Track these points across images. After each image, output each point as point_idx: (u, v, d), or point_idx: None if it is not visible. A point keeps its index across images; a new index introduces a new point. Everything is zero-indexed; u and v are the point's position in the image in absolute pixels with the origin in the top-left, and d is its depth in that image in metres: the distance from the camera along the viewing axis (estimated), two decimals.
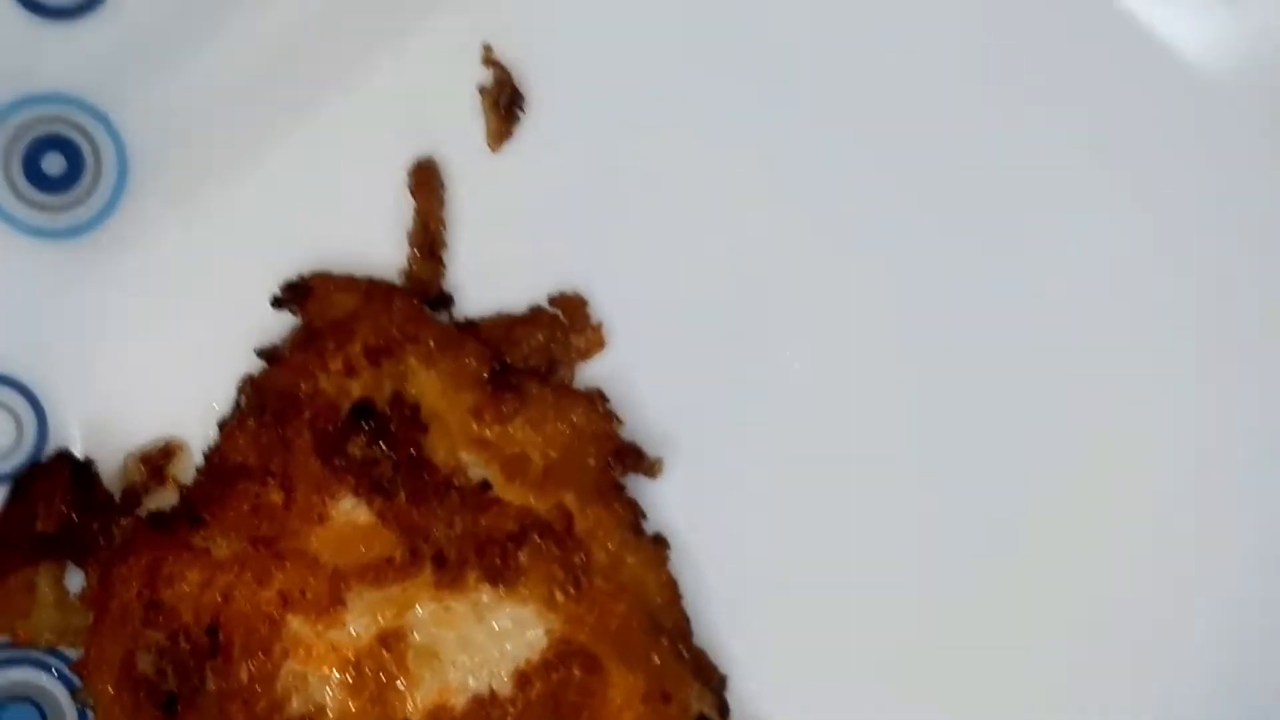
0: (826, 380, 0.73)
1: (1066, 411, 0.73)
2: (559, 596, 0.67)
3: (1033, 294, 0.73)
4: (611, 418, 0.70)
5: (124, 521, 0.69)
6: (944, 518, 0.73)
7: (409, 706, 0.67)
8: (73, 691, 0.70)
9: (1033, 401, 0.73)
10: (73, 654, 0.70)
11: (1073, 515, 0.72)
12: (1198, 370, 0.72)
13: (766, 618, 0.72)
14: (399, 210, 0.72)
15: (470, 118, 0.73)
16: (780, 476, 0.73)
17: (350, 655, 0.67)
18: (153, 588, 0.67)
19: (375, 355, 0.69)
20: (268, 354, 0.70)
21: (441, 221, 0.72)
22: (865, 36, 0.72)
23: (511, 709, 0.67)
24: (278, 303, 0.70)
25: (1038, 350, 0.73)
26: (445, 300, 0.72)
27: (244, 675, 0.67)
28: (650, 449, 0.71)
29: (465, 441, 0.68)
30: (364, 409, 0.68)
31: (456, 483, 0.68)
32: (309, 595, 0.67)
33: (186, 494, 0.69)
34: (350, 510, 0.68)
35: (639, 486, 0.71)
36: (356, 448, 0.68)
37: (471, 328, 0.72)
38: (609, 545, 0.68)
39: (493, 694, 0.67)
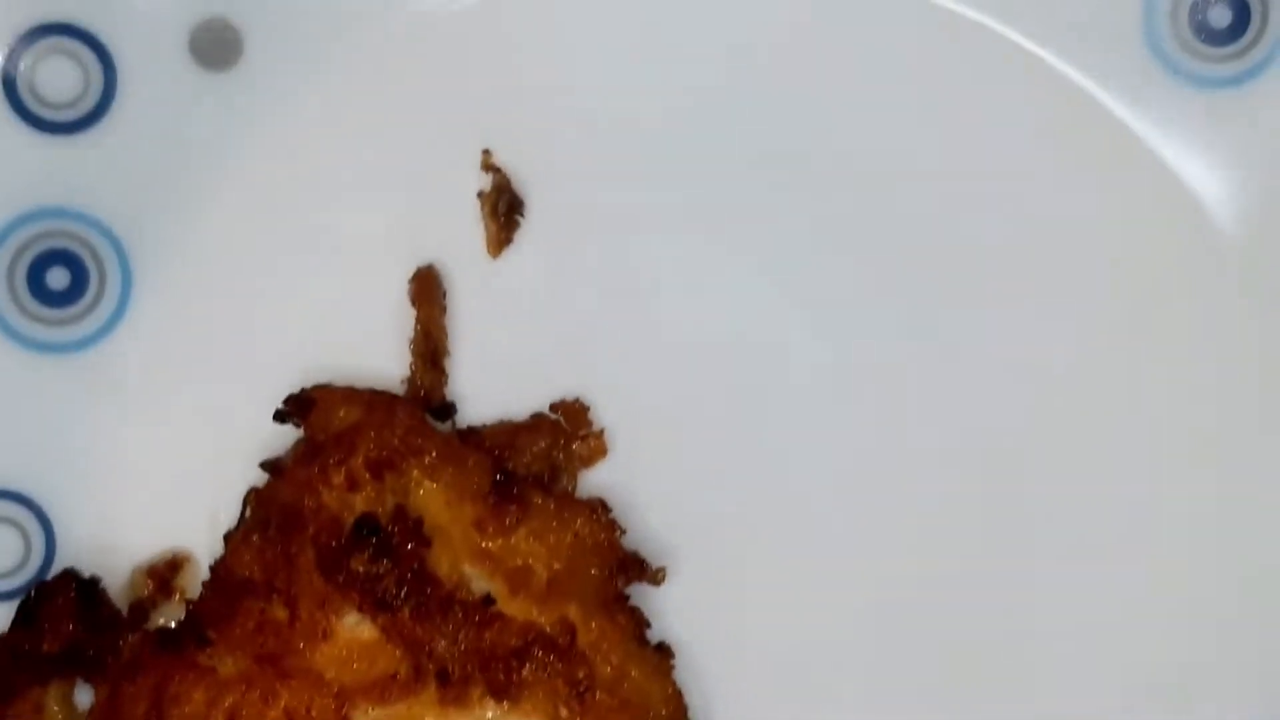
0: (829, 486, 0.73)
1: (1075, 518, 0.73)
2: (563, 712, 0.68)
3: (1037, 405, 0.73)
4: (614, 527, 0.70)
5: (131, 637, 0.69)
6: (952, 624, 0.73)
7: None
8: None
9: (1039, 505, 0.73)
10: None
11: (1084, 621, 0.73)
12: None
13: None
14: (400, 319, 0.72)
15: (470, 224, 0.73)
16: (784, 583, 0.73)
17: None
18: (160, 707, 0.68)
19: (378, 468, 0.69)
20: (271, 466, 0.70)
21: (443, 330, 0.73)
22: (874, 144, 0.72)
23: None
24: (280, 416, 0.70)
25: (1043, 457, 0.73)
26: (448, 409, 0.72)
27: None
28: (653, 557, 0.71)
29: (468, 554, 0.69)
30: (367, 524, 0.68)
31: (460, 597, 0.68)
32: (314, 713, 0.68)
33: (193, 610, 0.70)
34: (354, 626, 0.68)
35: (642, 593, 0.71)
36: (360, 563, 0.68)
37: (474, 435, 0.72)
38: (613, 658, 0.69)
39: None
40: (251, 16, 0.71)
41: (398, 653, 0.68)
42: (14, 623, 0.70)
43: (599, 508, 0.70)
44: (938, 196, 0.72)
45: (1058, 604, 0.73)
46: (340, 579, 0.68)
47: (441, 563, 0.69)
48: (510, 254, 0.73)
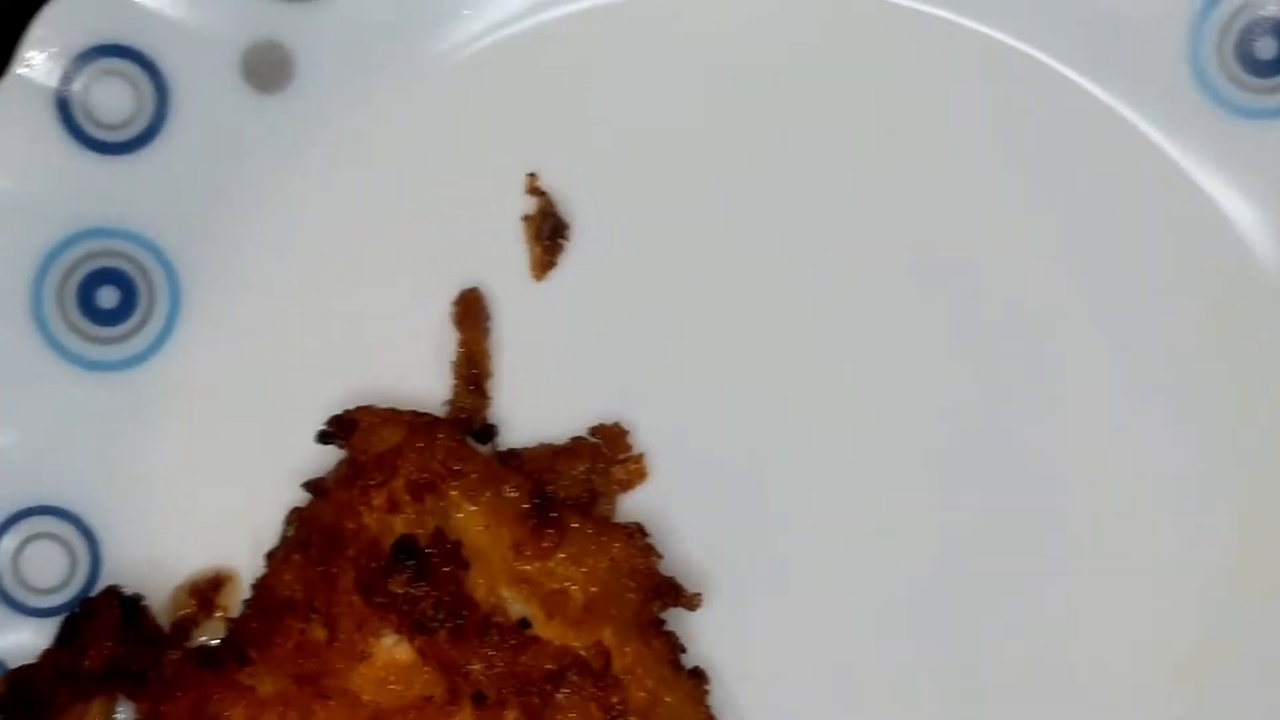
0: (866, 515, 0.73)
1: (1118, 539, 0.73)
2: None
3: (1076, 426, 0.73)
4: (651, 552, 0.70)
5: (173, 655, 0.70)
6: (991, 659, 0.73)
7: None
8: None
9: (1082, 530, 0.73)
10: None
11: (1129, 641, 0.73)
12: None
13: None
14: (443, 341, 0.73)
15: (514, 247, 0.73)
16: (819, 610, 0.73)
17: None
18: None
19: (418, 490, 0.69)
20: (314, 487, 0.71)
21: (485, 352, 0.73)
22: (919, 174, 0.73)
23: None
24: (323, 437, 0.71)
25: (1080, 480, 0.73)
26: (489, 432, 0.73)
27: None
28: (689, 581, 0.71)
29: (506, 577, 0.69)
30: (406, 547, 0.69)
31: (497, 620, 0.69)
32: None
33: (234, 628, 0.70)
34: (391, 647, 0.69)
35: (677, 618, 0.71)
36: (398, 585, 0.69)
37: (514, 458, 0.72)
38: (647, 683, 0.69)
39: None
40: (303, 39, 0.72)
41: (434, 675, 0.69)
42: (57, 639, 0.71)
43: (636, 532, 0.71)
44: (983, 224, 0.72)
45: (1102, 627, 0.74)
46: (379, 600, 0.69)
47: (479, 586, 0.69)
48: (554, 277, 0.74)
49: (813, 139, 0.73)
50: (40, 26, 0.70)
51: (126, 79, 0.71)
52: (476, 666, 0.69)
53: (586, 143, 0.73)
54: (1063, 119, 0.72)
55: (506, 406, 0.74)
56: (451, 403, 0.73)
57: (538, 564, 0.70)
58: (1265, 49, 0.71)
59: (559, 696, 0.69)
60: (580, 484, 0.72)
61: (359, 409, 0.71)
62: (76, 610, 0.71)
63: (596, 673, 0.69)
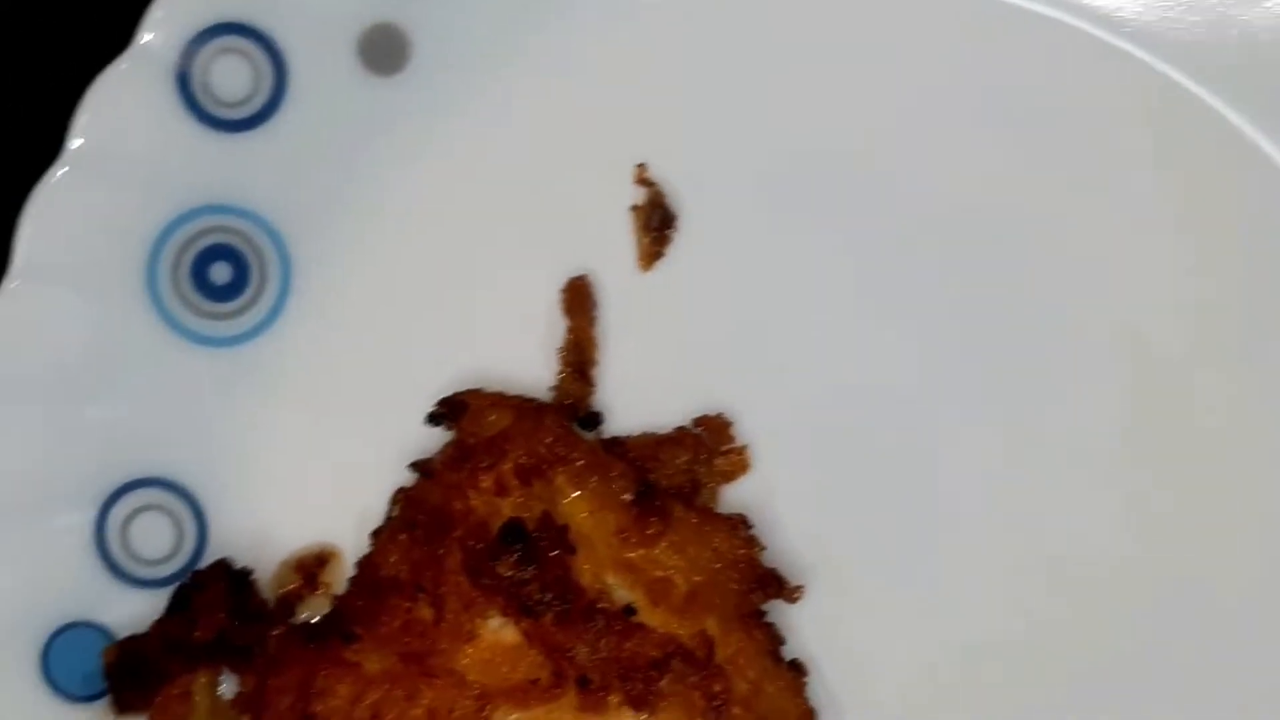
0: (968, 509, 0.74)
1: (1238, 556, 0.73)
2: None
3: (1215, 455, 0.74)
4: (754, 543, 0.71)
5: (278, 630, 0.71)
6: (1091, 654, 0.73)
7: None
8: None
9: (1191, 530, 0.73)
10: None
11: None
12: None
13: None
14: (551, 328, 0.73)
15: (622, 237, 0.74)
16: (919, 605, 0.74)
17: None
18: (305, 700, 0.69)
19: (526, 475, 0.70)
20: (421, 467, 0.71)
21: (592, 340, 0.74)
22: (1030, 190, 0.73)
23: None
24: (433, 418, 0.71)
25: (1217, 492, 0.73)
26: (595, 419, 0.73)
27: None
28: (790, 574, 0.72)
29: (611, 564, 0.70)
30: (514, 530, 0.69)
31: (602, 605, 0.69)
32: (456, 714, 0.69)
33: (339, 605, 0.71)
34: (497, 629, 0.69)
35: (777, 610, 0.72)
36: (506, 568, 0.69)
37: (618, 445, 0.73)
38: (749, 673, 0.69)
39: None
40: (420, 22, 0.73)
41: (539, 658, 0.69)
42: (168, 609, 0.72)
43: (740, 523, 0.71)
44: (1110, 233, 0.73)
45: (1233, 623, 0.73)
46: (486, 582, 0.69)
47: (585, 571, 0.70)
48: (660, 268, 0.74)
49: (927, 136, 0.73)
50: (161, 4, 0.70)
51: (245, 57, 0.72)
52: (582, 651, 0.69)
53: (697, 135, 0.74)
54: (1184, 134, 0.73)
55: (611, 395, 0.74)
56: (557, 389, 0.73)
57: (642, 551, 0.70)
58: None
59: (663, 683, 0.69)
60: (683, 474, 0.73)
61: (469, 392, 0.72)
62: (188, 581, 0.71)
63: (700, 661, 0.69)
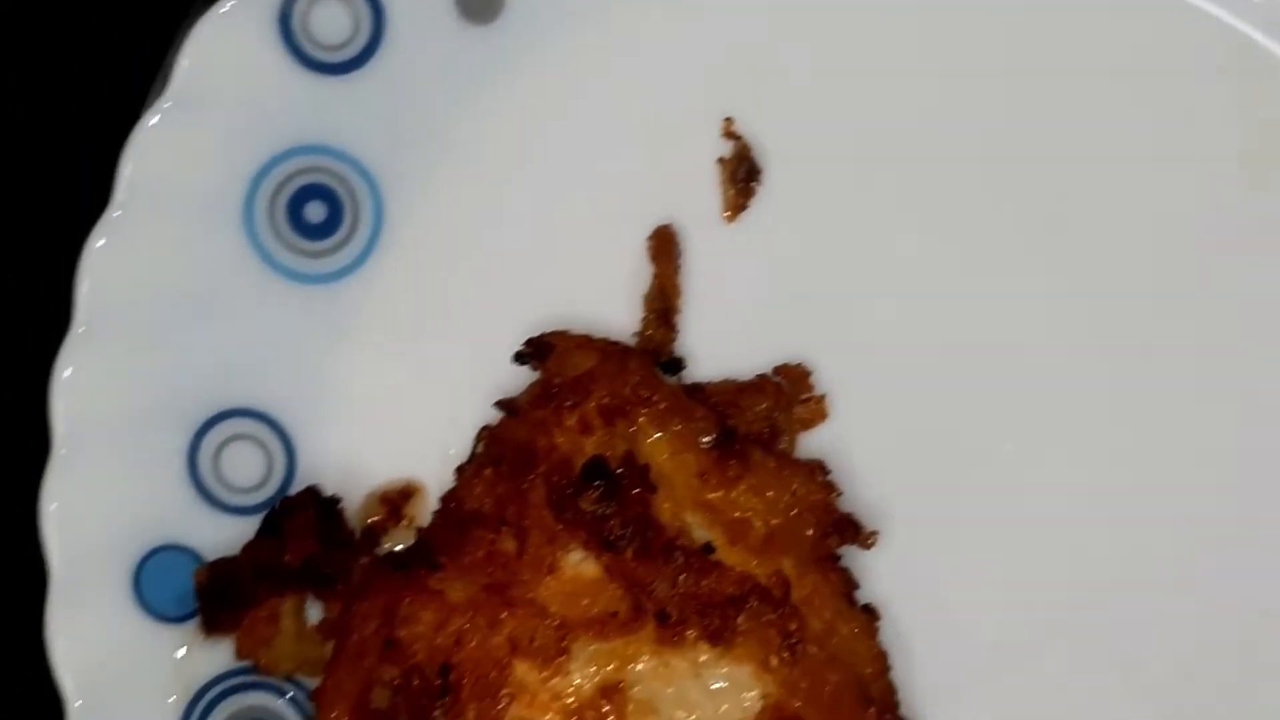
0: (1046, 462, 0.75)
1: None
2: (774, 661, 0.70)
3: (1244, 383, 0.74)
4: (831, 489, 0.72)
5: (364, 559, 0.72)
6: (1162, 613, 0.75)
7: None
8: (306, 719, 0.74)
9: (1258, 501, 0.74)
10: (309, 683, 0.74)
11: None
12: None
13: (973, 694, 0.74)
14: (637, 274, 0.75)
15: (708, 188, 0.75)
16: (992, 555, 0.75)
17: (572, 704, 0.70)
18: (390, 626, 0.71)
19: (609, 415, 0.71)
20: (507, 406, 0.73)
21: (677, 287, 0.75)
22: (1130, 152, 0.75)
23: None
24: (520, 357, 0.73)
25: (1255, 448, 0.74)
26: (677, 364, 0.75)
27: (471, 717, 0.70)
28: (865, 521, 0.73)
29: (691, 504, 0.71)
30: (597, 467, 0.71)
31: (681, 543, 0.71)
32: (536, 643, 0.70)
33: (423, 536, 0.72)
34: (579, 563, 0.71)
35: (850, 555, 0.73)
36: (588, 504, 0.70)
37: (699, 391, 0.74)
38: (824, 614, 0.71)
39: None
40: None
41: (619, 591, 0.71)
42: (258, 533, 0.73)
43: (818, 469, 0.72)
44: (1168, 193, 0.74)
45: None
46: (568, 517, 0.71)
47: (664, 509, 0.71)
48: (745, 220, 0.75)
49: (1011, 97, 0.74)
50: None
51: (345, 2, 0.73)
52: (661, 586, 0.70)
53: (785, 93, 0.75)
54: None
55: (693, 341, 0.75)
56: (641, 333, 0.75)
57: (721, 493, 0.71)
58: None
59: (739, 620, 0.70)
60: (762, 420, 0.74)
61: (555, 333, 0.73)
62: (278, 506, 0.73)
63: (776, 600, 0.70)
